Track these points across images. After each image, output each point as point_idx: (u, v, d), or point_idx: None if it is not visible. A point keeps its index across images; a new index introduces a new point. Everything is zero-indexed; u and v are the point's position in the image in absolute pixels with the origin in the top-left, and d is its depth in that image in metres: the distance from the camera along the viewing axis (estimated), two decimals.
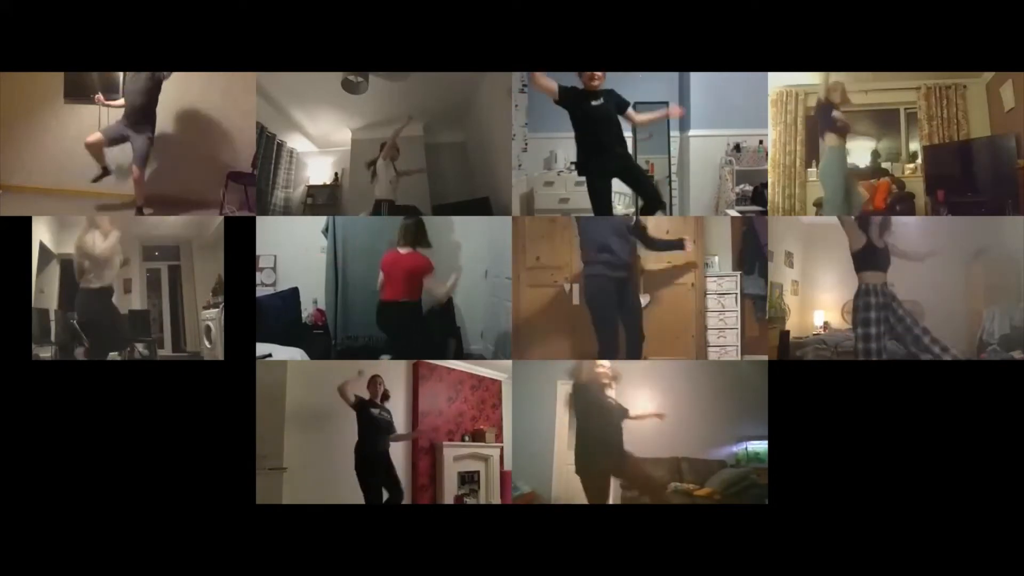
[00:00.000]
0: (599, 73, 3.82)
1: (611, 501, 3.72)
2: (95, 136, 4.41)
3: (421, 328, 4.20)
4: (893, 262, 3.67)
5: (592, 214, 3.95)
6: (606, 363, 3.65)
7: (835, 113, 4.42)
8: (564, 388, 4.78)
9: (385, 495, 3.78)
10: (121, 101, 4.48)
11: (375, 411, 3.81)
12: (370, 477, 3.73)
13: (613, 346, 3.88)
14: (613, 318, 3.90)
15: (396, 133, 5.17)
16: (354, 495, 3.71)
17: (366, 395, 3.85)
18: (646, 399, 4.59)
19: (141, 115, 4.36)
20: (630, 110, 3.97)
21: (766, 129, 5.06)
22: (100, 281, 4.04)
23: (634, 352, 3.92)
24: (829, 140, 4.40)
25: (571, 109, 3.86)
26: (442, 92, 5.58)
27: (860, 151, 5.33)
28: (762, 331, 4.55)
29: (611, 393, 3.66)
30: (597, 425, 3.58)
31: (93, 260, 4.00)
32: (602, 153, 3.89)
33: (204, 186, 4.91)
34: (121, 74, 4.70)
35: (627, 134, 5.17)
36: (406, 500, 4.06)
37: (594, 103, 3.86)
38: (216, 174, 4.78)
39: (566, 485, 4.66)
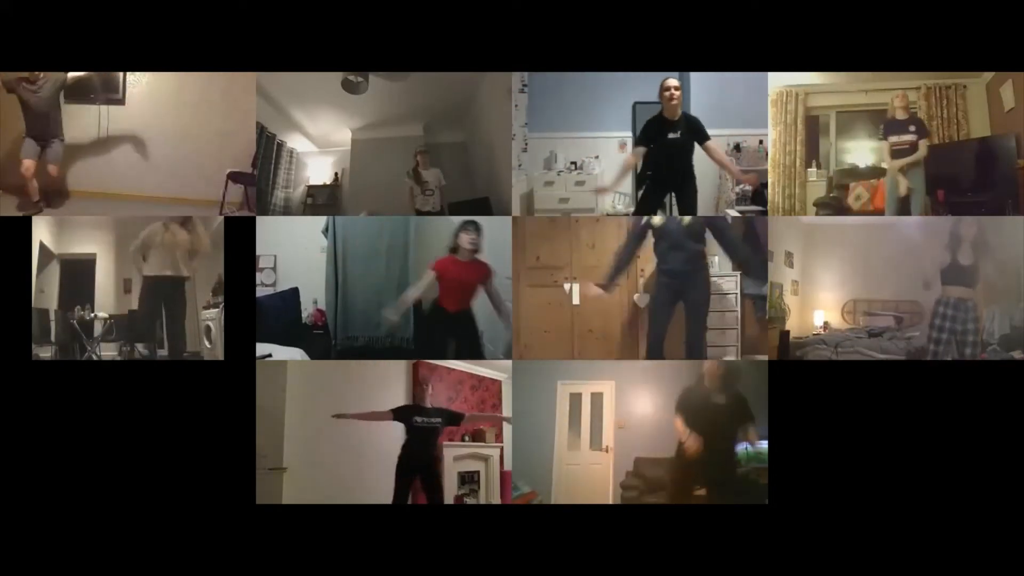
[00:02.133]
0: (676, 89, 3.96)
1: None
2: (29, 163, 4.24)
3: (472, 334, 4.19)
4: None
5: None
6: (715, 363, 3.65)
7: (892, 138, 4.51)
8: (565, 388, 4.79)
9: (422, 498, 3.79)
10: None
11: (419, 419, 3.77)
12: (403, 478, 3.73)
13: (659, 347, 3.94)
14: (663, 324, 3.95)
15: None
16: (354, 495, 3.71)
17: (410, 400, 3.86)
18: (647, 399, 4.60)
19: (47, 121, 4.30)
20: (709, 143, 4.06)
21: (766, 129, 5.05)
22: (175, 270, 4.11)
23: (698, 351, 3.95)
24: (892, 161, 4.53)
25: (649, 144, 4.06)
26: (442, 92, 5.58)
27: (862, 151, 5.34)
28: (762, 331, 4.55)
29: (720, 396, 3.59)
30: (708, 431, 3.51)
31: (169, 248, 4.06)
32: (668, 179, 4.09)
33: (204, 186, 4.91)
34: (121, 75, 4.68)
35: None
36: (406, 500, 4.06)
37: (671, 136, 4.00)
38: (216, 174, 4.78)
39: (566, 485, 4.67)
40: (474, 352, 4.26)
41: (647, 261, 4.36)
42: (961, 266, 3.81)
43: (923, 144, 4.48)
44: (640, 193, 4.28)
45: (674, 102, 3.99)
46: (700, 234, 3.95)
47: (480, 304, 5.14)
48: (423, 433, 3.78)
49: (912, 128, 4.52)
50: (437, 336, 4.13)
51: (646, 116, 4.21)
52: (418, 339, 4.26)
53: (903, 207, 4.48)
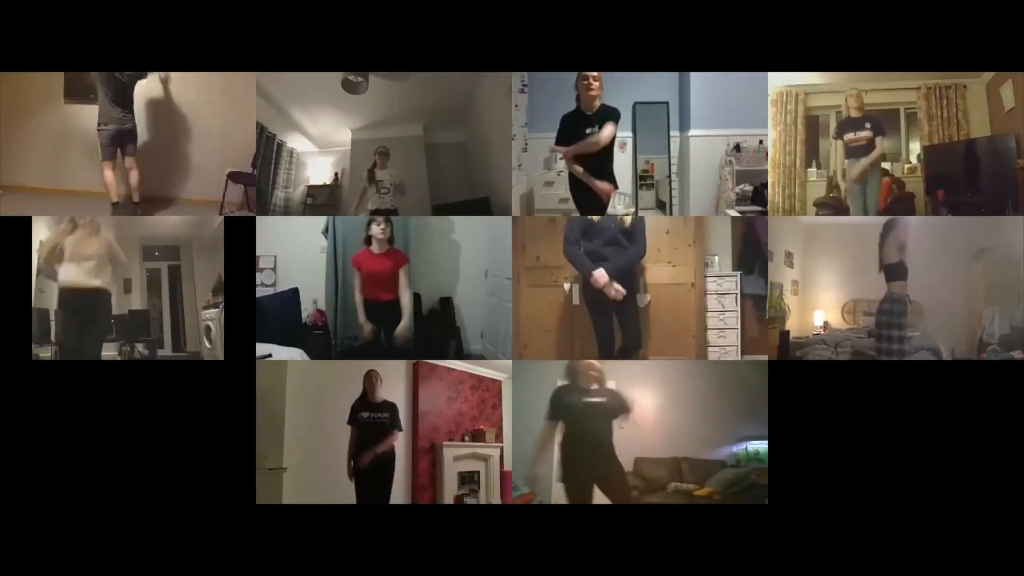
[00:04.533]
0: (595, 79, 3.68)
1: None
2: (109, 175, 4.37)
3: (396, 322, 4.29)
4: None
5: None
6: (596, 363, 3.60)
7: (847, 135, 4.55)
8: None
9: (426, 498, 3.76)
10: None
11: (364, 415, 3.75)
12: (358, 479, 3.70)
13: (609, 347, 3.89)
14: (607, 320, 3.91)
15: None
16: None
17: (361, 395, 3.82)
18: (647, 399, 4.60)
19: (119, 109, 4.35)
20: (608, 126, 3.73)
21: (766, 129, 5.05)
22: (93, 280, 3.87)
23: (629, 355, 3.92)
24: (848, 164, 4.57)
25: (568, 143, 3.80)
26: (442, 92, 5.58)
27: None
28: (762, 331, 4.55)
29: (597, 393, 3.48)
30: (583, 428, 3.42)
31: (80, 258, 3.84)
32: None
33: (204, 186, 4.91)
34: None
35: None
36: (406, 500, 4.06)
37: (588, 132, 3.74)
38: (216, 174, 4.79)
39: None
40: (435, 346, 4.46)
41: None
42: (896, 264, 3.82)
43: (879, 141, 4.52)
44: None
45: (592, 92, 3.71)
46: (637, 232, 3.89)
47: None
48: (370, 430, 3.75)
49: (868, 125, 4.54)
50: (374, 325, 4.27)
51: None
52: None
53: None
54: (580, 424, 3.40)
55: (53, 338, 4.01)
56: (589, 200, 3.85)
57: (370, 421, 3.75)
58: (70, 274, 3.81)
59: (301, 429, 3.71)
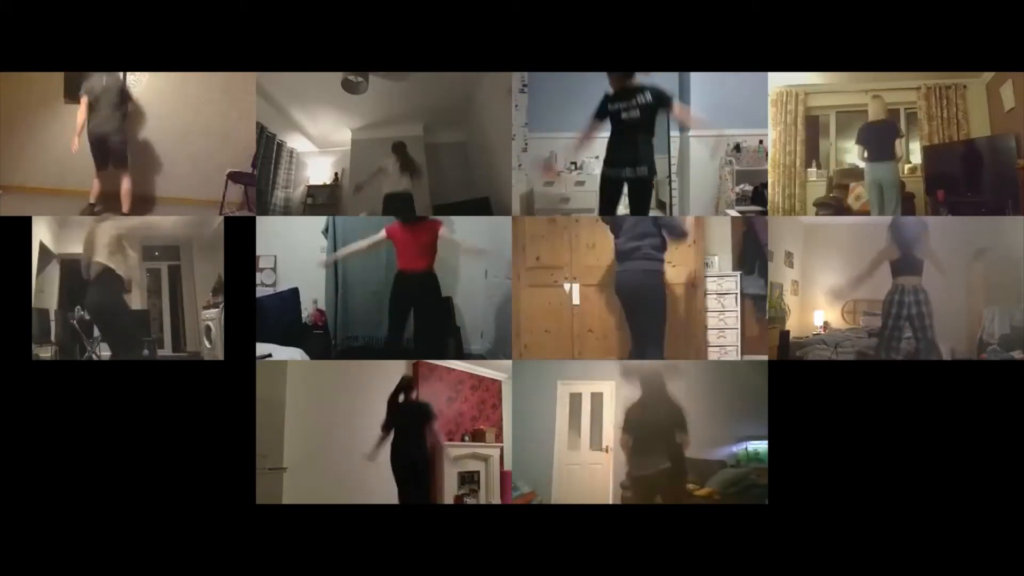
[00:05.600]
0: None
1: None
2: (96, 183, 4.42)
3: (435, 294, 4.37)
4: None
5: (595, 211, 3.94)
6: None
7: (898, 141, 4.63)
8: (565, 387, 4.79)
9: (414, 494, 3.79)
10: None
11: (403, 398, 3.86)
12: (405, 474, 3.74)
13: (647, 343, 3.78)
14: (647, 314, 3.80)
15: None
16: (353, 495, 3.70)
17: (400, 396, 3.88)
18: None
19: (101, 115, 4.38)
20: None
21: (766, 129, 5.05)
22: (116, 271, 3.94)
23: (655, 352, 3.87)
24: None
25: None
26: (442, 92, 5.58)
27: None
28: (762, 331, 4.55)
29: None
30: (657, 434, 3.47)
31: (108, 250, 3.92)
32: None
33: (204, 186, 4.91)
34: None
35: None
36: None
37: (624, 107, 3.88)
38: (216, 174, 4.78)
39: (566, 485, 4.66)
40: (444, 316, 4.50)
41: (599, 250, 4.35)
42: (914, 258, 3.91)
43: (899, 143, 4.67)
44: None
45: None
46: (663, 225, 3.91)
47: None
48: (410, 415, 3.82)
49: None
50: (403, 303, 4.29)
51: None
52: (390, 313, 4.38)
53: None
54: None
55: (53, 338, 4.02)
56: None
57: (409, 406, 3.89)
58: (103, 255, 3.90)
59: (301, 429, 3.71)
